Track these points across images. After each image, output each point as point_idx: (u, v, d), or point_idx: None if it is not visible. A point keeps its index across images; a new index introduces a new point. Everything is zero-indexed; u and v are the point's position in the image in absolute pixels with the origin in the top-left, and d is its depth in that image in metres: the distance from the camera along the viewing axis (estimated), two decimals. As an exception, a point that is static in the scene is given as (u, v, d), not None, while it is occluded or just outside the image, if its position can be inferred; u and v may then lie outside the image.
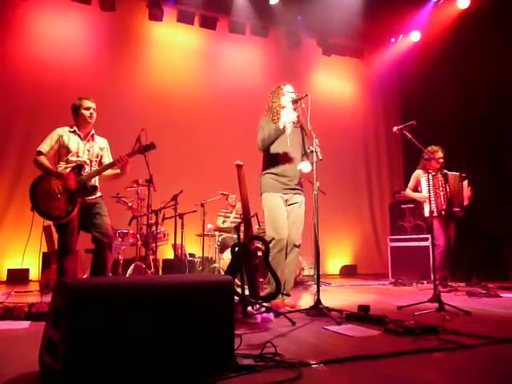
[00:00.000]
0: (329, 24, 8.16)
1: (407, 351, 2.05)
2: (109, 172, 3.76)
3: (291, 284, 3.76)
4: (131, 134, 4.71)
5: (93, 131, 3.81)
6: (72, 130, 3.69)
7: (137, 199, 5.75)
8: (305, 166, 3.57)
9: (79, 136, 3.68)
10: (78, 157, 3.63)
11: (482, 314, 3.31)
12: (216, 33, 8.27)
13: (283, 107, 3.77)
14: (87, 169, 3.66)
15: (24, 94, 6.90)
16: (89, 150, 3.71)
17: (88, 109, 3.69)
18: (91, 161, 3.71)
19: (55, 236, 3.88)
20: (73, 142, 3.63)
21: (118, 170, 3.73)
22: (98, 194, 3.73)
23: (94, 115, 3.73)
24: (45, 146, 3.59)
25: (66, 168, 3.59)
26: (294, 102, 3.73)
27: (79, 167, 3.57)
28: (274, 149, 3.70)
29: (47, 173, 3.51)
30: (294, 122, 3.80)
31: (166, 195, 5.58)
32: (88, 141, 3.73)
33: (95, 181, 3.71)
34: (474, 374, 1.80)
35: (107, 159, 3.84)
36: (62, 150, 3.62)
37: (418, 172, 5.45)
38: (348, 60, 9.41)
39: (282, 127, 3.49)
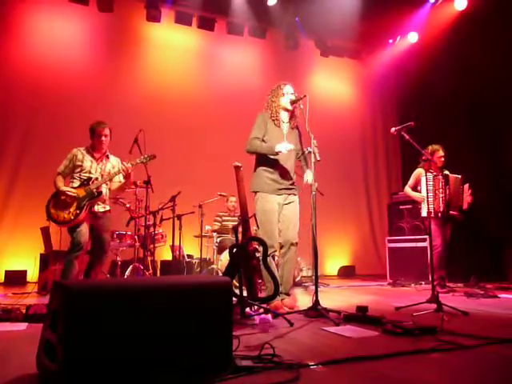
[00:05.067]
0: (327, 25, 8.15)
1: (405, 352, 2.05)
2: (115, 185, 4.14)
3: (290, 283, 3.76)
4: (129, 135, 4.74)
5: (108, 153, 4.19)
6: (87, 150, 4.08)
7: (135, 200, 5.73)
8: (309, 177, 3.57)
9: (93, 156, 4.06)
10: (90, 173, 4.00)
11: (479, 314, 3.32)
12: (214, 34, 8.26)
13: (282, 108, 3.79)
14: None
15: (22, 94, 6.88)
16: (101, 169, 4.07)
17: (100, 136, 4.04)
18: (103, 176, 4.06)
19: (53, 237, 4.03)
20: (86, 161, 4.03)
21: (123, 180, 4.08)
22: (107, 207, 4.11)
23: (108, 140, 4.10)
24: (61, 167, 4.02)
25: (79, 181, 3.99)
26: (293, 102, 3.75)
27: (87, 180, 3.98)
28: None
29: (58, 192, 3.91)
30: (291, 124, 3.82)
31: (163, 196, 5.58)
32: (101, 160, 4.11)
33: (106, 194, 4.08)
34: (472, 375, 1.80)
35: (118, 177, 4.15)
36: (77, 168, 4.01)
37: (419, 170, 5.42)
38: (346, 61, 9.42)
39: (275, 152, 3.51)
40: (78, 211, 3.83)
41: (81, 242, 3.79)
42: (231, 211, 6.48)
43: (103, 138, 4.05)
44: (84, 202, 3.87)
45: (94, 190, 3.91)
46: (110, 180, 4.07)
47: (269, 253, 3.47)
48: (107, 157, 4.16)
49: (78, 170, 4.00)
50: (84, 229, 3.85)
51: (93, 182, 3.95)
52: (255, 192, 3.72)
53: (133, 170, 4.01)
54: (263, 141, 3.70)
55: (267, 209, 3.62)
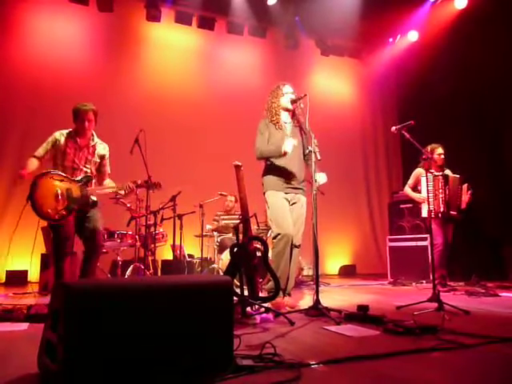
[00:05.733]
0: (327, 24, 8.16)
1: (406, 351, 2.05)
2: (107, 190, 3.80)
3: (292, 284, 3.77)
4: (129, 135, 4.74)
5: (95, 139, 3.80)
6: (71, 134, 3.67)
7: (135, 200, 5.74)
8: (321, 178, 3.57)
9: (76, 142, 3.66)
10: (73, 162, 3.63)
11: (481, 313, 3.32)
12: (214, 33, 8.27)
13: (282, 108, 3.79)
14: (81, 174, 3.65)
15: (22, 94, 6.88)
16: (86, 158, 3.71)
17: (83, 120, 3.62)
18: (87, 167, 3.72)
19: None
20: (70, 147, 3.63)
21: (122, 192, 3.77)
22: (93, 198, 3.72)
23: (92, 125, 3.69)
24: (40, 150, 3.61)
25: (64, 171, 3.58)
26: (293, 102, 3.75)
27: (86, 179, 3.61)
28: None
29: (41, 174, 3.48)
30: (293, 123, 3.82)
31: (164, 196, 5.57)
32: (87, 148, 3.72)
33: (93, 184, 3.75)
34: (474, 374, 1.80)
35: (106, 167, 3.87)
36: (59, 155, 3.62)
37: (419, 170, 5.42)
38: (346, 60, 9.42)
39: (282, 152, 3.50)
40: (65, 213, 3.42)
41: (64, 248, 3.50)
42: (228, 210, 6.50)
43: (86, 124, 3.61)
44: (75, 206, 3.48)
45: (90, 198, 3.55)
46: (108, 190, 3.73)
47: (285, 242, 3.50)
48: (93, 146, 3.77)
49: (60, 156, 3.60)
50: (67, 232, 3.51)
51: (91, 185, 3.61)
52: (265, 193, 3.75)
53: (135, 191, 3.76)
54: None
55: (277, 203, 3.64)
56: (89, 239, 3.60)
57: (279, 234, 3.54)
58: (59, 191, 3.44)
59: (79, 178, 3.60)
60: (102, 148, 3.86)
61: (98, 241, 3.64)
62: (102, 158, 3.84)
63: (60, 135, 3.65)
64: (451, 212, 5.13)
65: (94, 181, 3.78)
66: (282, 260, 3.51)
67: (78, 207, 3.53)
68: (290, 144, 3.49)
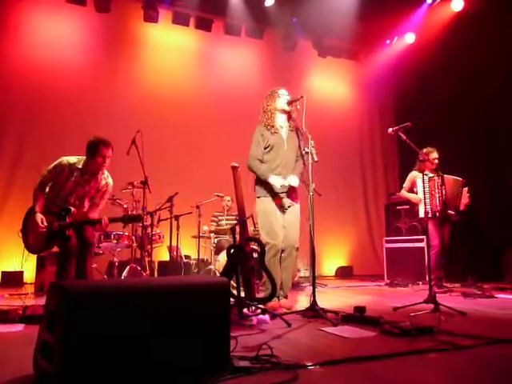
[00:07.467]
0: (324, 26, 8.16)
1: (403, 352, 2.05)
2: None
3: (289, 286, 3.77)
4: (126, 136, 4.73)
5: (105, 173, 3.70)
6: (76, 168, 3.54)
7: (132, 201, 5.72)
8: (293, 181, 3.62)
9: (81, 177, 3.57)
10: (67, 195, 3.58)
11: (477, 314, 3.32)
12: (211, 34, 8.26)
13: (278, 110, 3.78)
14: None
15: (19, 95, 6.85)
16: (84, 193, 3.63)
17: (104, 157, 3.53)
18: (81, 201, 3.66)
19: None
20: (71, 182, 3.55)
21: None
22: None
23: (107, 162, 3.57)
24: (46, 174, 3.52)
25: (55, 200, 3.56)
26: (290, 103, 3.74)
27: (66, 211, 3.49)
28: (270, 153, 3.70)
29: (31, 210, 3.51)
30: (290, 127, 3.82)
31: (161, 197, 5.57)
32: (88, 183, 3.62)
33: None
34: (470, 375, 1.81)
35: (98, 199, 3.74)
36: (58, 185, 3.56)
37: (414, 173, 5.46)
38: (343, 62, 9.43)
39: (267, 181, 3.57)
40: (46, 248, 3.52)
41: (70, 249, 3.48)
42: (226, 210, 6.49)
43: (106, 161, 3.52)
44: (53, 242, 3.50)
45: (66, 234, 3.42)
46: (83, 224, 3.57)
47: (273, 253, 3.51)
48: (96, 179, 3.64)
49: (59, 187, 3.54)
50: (68, 235, 3.46)
51: (69, 216, 3.44)
52: (257, 198, 3.73)
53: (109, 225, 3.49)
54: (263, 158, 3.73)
55: (267, 210, 3.63)
56: (79, 240, 3.57)
57: (268, 244, 3.53)
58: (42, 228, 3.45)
59: (59, 211, 3.52)
60: (104, 183, 3.74)
61: (88, 241, 3.60)
62: (99, 191, 3.72)
63: (67, 167, 3.53)
64: (449, 211, 5.15)
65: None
66: (273, 270, 3.45)
67: (55, 241, 3.52)
68: (277, 182, 3.55)
